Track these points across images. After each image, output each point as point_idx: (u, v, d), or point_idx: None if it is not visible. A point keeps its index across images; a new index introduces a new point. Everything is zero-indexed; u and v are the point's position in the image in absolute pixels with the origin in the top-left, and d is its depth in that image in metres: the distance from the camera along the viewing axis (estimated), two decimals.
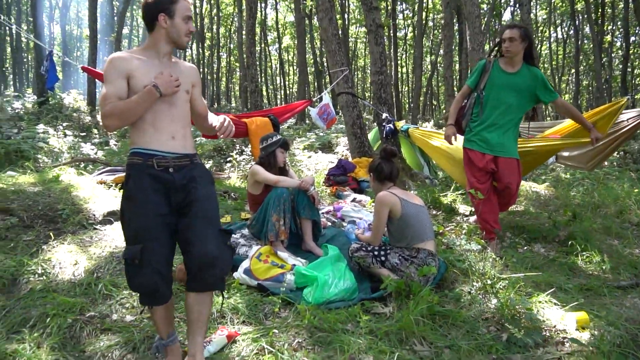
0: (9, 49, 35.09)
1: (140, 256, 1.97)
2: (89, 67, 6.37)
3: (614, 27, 25.00)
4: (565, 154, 5.26)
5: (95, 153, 9.31)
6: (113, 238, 3.87)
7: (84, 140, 10.71)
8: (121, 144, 12.17)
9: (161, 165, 2.07)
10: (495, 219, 4.07)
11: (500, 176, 3.93)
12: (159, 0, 2.11)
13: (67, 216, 4.23)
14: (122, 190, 2.10)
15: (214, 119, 2.30)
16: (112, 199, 4.84)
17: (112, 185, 5.39)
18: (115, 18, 25.78)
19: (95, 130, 12.26)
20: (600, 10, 20.29)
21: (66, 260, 3.39)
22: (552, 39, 34.76)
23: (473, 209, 4.63)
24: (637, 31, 20.62)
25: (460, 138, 4.21)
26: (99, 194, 4.95)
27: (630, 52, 20.07)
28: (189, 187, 2.11)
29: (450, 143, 4.17)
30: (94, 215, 4.42)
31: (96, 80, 16.25)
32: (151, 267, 2.00)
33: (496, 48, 4.03)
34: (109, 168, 6.36)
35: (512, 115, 3.90)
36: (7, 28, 28.81)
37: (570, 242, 4.03)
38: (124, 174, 5.51)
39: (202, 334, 2.19)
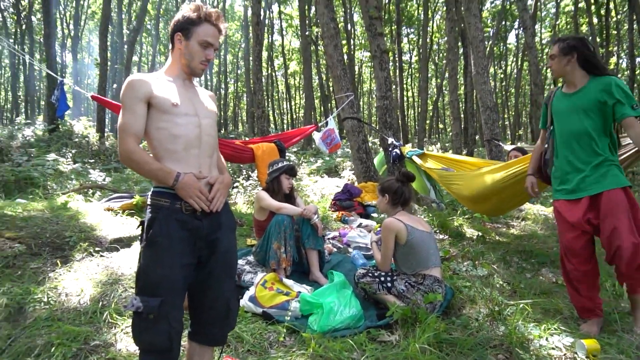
0: (22, 77, 35.83)
1: (158, 311, 1.76)
2: (99, 96, 6.48)
3: (619, 49, 25.10)
4: None
5: (104, 179, 9.39)
6: (119, 265, 3.87)
7: (93, 167, 10.83)
8: (129, 171, 12.28)
9: (189, 209, 1.88)
10: (597, 294, 3.12)
11: (602, 217, 2.90)
12: (180, 19, 1.98)
13: (74, 243, 4.26)
14: (142, 232, 1.90)
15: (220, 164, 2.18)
16: (119, 226, 4.88)
17: (119, 212, 5.43)
18: (125, 47, 26.30)
19: (103, 157, 12.38)
20: (605, 32, 20.38)
21: (72, 288, 3.39)
22: None
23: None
24: None
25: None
26: (106, 220, 4.99)
27: (637, 73, 20.08)
28: (215, 237, 1.95)
29: (532, 195, 3.51)
30: (101, 242, 4.44)
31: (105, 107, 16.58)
32: (168, 323, 1.79)
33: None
34: (116, 195, 6.40)
35: (588, 142, 2.97)
36: (21, 57, 29.47)
37: None
38: (131, 200, 5.67)
39: None
